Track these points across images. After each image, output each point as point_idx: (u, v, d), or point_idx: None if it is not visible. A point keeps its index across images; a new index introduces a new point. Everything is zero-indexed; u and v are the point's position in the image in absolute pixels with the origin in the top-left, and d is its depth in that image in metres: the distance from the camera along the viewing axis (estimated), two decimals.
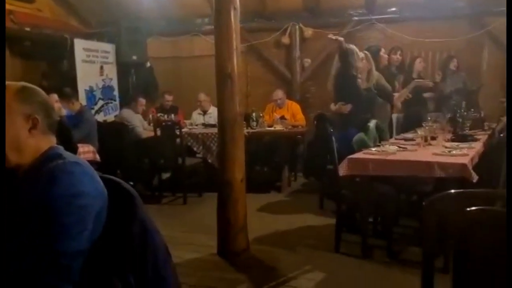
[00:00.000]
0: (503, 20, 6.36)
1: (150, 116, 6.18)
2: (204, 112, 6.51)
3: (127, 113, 5.75)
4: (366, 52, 4.68)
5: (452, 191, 1.43)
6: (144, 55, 7.03)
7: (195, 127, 6.07)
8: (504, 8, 6.41)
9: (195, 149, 5.60)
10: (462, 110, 5.39)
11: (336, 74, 4.51)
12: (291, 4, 6.90)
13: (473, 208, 1.29)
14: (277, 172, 5.96)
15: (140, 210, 1.39)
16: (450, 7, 6.47)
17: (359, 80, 4.39)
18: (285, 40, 7.02)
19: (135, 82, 7.15)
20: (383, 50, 5.34)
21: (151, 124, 5.79)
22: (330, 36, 4.59)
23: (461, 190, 1.39)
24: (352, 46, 4.48)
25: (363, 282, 3.14)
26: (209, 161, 5.52)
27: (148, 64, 7.23)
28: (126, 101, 6.53)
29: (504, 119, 4.21)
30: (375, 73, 4.56)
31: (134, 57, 6.86)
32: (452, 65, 6.08)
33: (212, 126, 5.69)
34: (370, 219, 3.85)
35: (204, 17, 7.15)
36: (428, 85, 5.72)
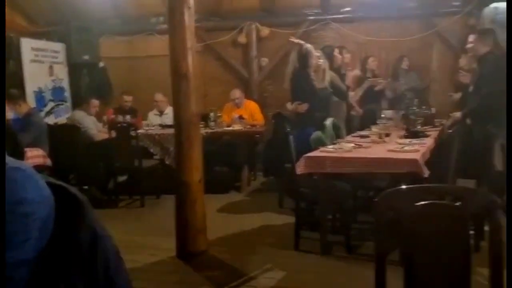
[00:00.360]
0: (450, 21, 6.66)
1: (104, 117, 5.99)
2: (161, 113, 6.39)
3: (80, 115, 5.55)
4: (321, 51, 4.76)
5: (403, 186, 1.46)
6: (96, 55, 6.82)
7: (152, 128, 5.95)
8: (451, 9, 6.72)
9: (152, 150, 5.49)
10: (414, 108, 5.59)
11: (293, 73, 4.55)
12: (247, 3, 6.91)
13: (422, 202, 1.32)
14: (237, 172, 5.94)
15: (88, 216, 1.34)
16: (401, 7, 6.68)
17: (314, 80, 4.45)
18: (242, 39, 7.01)
19: (87, 83, 6.92)
20: (337, 50, 5.44)
21: (106, 126, 5.61)
22: (292, 39, 4.63)
23: (412, 186, 1.42)
24: (309, 46, 4.53)
25: (323, 278, 3.17)
26: (167, 162, 5.42)
27: (101, 64, 7.01)
28: (78, 102, 6.31)
29: (453, 114, 4.38)
30: (330, 73, 4.63)
31: (86, 57, 6.64)
32: (404, 64, 6.30)
33: (169, 126, 5.57)
34: (329, 216, 3.90)
35: (159, 16, 7.01)
36: (381, 84, 5.88)
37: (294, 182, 3.67)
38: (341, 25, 6.83)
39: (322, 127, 4.08)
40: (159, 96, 6.30)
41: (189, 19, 3.33)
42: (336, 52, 5.36)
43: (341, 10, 6.82)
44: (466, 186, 1.58)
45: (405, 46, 6.71)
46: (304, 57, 4.44)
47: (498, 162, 4.39)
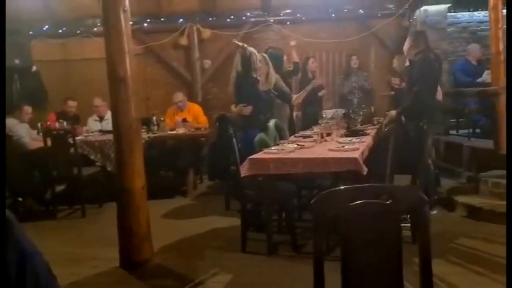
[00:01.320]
0: (386, 22, 6.95)
1: (39, 124, 5.67)
2: (101, 118, 6.17)
3: (11, 123, 5.23)
4: (264, 54, 4.80)
5: (342, 187, 1.49)
6: (28, 59, 6.48)
7: (92, 134, 5.72)
8: (386, 12, 7.01)
9: (92, 157, 5.28)
10: (355, 107, 5.78)
11: (237, 76, 4.55)
12: (187, 5, 6.83)
13: (356, 202, 1.37)
14: (182, 176, 5.85)
15: (15, 233, 1.26)
16: (338, 9, 6.90)
17: (258, 82, 4.48)
18: (183, 41, 6.93)
19: (19, 88, 6.54)
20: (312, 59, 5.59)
21: (41, 134, 5.32)
22: (235, 41, 4.61)
23: (348, 186, 1.46)
24: (251, 49, 4.56)
25: (270, 278, 3.19)
26: (109, 169, 5.24)
27: (34, 68, 6.66)
28: (10, 109, 5.94)
29: (389, 113, 4.57)
30: (274, 75, 4.67)
31: (17, 61, 6.29)
32: (354, 63, 6.50)
33: (110, 132, 5.39)
34: (274, 216, 3.94)
35: (95, 18, 6.77)
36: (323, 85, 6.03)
37: (239, 184, 3.67)
38: (282, 26, 6.94)
39: (265, 129, 4.11)
40: (98, 101, 6.08)
41: (125, 21, 3.23)
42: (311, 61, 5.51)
43: (282, 12, 6.93)
44: (398, 185, 1.65)
45: (344, 47, 6.93)
46: (247, 60, 4.46)
47: (431, 155, 4.66)
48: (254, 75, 4.44)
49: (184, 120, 6.00)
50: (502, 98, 4.78)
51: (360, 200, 1.39)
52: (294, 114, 5.84)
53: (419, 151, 3.77)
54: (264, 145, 3.91)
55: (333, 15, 6.87)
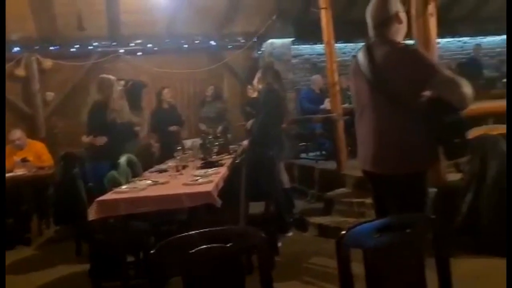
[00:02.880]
0: (237, 54, 7.26)
1: None
2: None
3: None
4: (121, 83, 4.60)
5: (176, 236, 1.41)
6: None
7: None
8: (236, 44, 7.33)
9: None
10: (211, 137, 5.82)
11: (92, 105, 4.26)
12: (23, 32, 6.19)
13: (196, 248, 1.33)
14: (25, 223, 5.17)
15: None
16: (191, 40, 6.99)
17: (115, 113, 4.24)
18: (20, 72, 6.25)
19: None
20: (166, 90, 5.41)
21: None
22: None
23: (190, 233, 1.39)
24: (111, 77, 4.33)
25: None
26: None
27: None
28: None
29: (242, 142, 4.70)
30: (126, 106, 4.47)
31: None
32: (207, 93, 6.58)
33: None
34: (131, 259, 3.68)
35: None
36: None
37: (87, 227, 3.35)
38: (133, 57, 6.74)
39: (116, 165, 3.86)
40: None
41: None
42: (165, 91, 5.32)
43: (132, 42, 6.73)
44: (240, 227, 1.64)
45: (198, 78, 7.02)
46: (105, 89, 4.21)
47: (284, 179, 4.91)
48: (111, 105, 4.21)
49: (24, 160, 5.34)
50: (340, 124, 5.29)
51: (201, 246, 1.35)
52: (153, 146, 5.67)
53: (271, 178, 3.93)
54: (115, 183, 3.65)
55: (185, 46, 6.92)
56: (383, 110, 2.22)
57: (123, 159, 3.99)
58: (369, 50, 2.27)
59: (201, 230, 1.36)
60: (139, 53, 6.78)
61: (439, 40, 4.89)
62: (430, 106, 2.15)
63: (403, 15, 2.30)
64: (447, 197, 3.88)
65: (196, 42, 6.97)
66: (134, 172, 4.10)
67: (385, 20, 2.27)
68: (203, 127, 6.50)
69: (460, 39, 9.20)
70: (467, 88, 2.06)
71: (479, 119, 5.67)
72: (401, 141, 2.18)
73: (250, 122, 5.90)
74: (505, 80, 7.12)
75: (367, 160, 2.34)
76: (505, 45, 9.84)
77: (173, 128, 5.91)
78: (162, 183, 3.59)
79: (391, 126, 2.21)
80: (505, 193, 3.32)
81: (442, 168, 4.02)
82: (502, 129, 4.11)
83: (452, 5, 7.44)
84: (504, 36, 9.72)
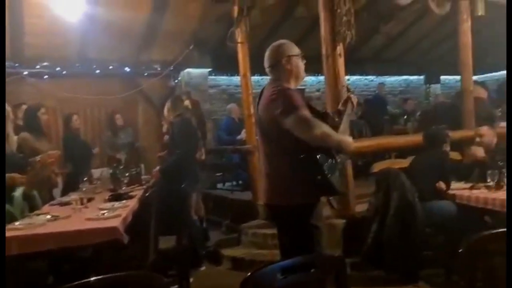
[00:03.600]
0: (153, 82, 7.11)
1: None
2: None
3: None
4: (8, 109, 4.18)
5: (73, 284, 1.27)
6: None
7: None
8: (152, 71, 7.18)
9: None
10: (121, 166, 5.55)
11: None
12: None
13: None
14: None
15: None
16: (104, 66, 6.71)
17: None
18: None
19: None
20: (42, 109, 4.96)
21: None
22: None
23: (79, 283, 1.26)
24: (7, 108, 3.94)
25: None
26: None
27: None
28: None
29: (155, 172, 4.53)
30: (21, 136, 4.10)
31: None
32: (119, 121, 6.29)
33: None
34: None
35: None
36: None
37: None
38: (39, 80, 6.30)
39: (10, 200, 3.49)
40: None
41: None
42: (41, 112, 4.89)
43: (38, 64, 6.29)
44: (141, 273, 1.52)
45: (111, 104, 6.73)
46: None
47: (199, 211, 4.79)
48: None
49: None
50: (255, 156, 5.34)
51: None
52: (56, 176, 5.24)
53: (183, 210, 3.81)
54: (9, 219, 3.29)
55: (98, 71, 6.63)
56: (265, 147, 2.43)
57: (18, 192, 3.62)
58: (262, 91, 2.47)
59: (100, 277, 1.24)
60: (45, 76, 6.35)
61: (349, 77, 5.20)
62: (297, 144, 2.27)
63: (296, 59, 2.44)
64: (355, 228, 4.04)
65: (110, 67, 6.71)
66: (32, 206, 3.74)
67: (275, 63, 2.45)
68: (114, 156, 6.20)
69: (367, 77, 9.93)
70: (318, 130, 2.21)
71: (383, 153, 6.09)
72: (278, 177, 2.36)
73: (163, 153, 5.76)
74: (406, 117, 7.77)
75: (262, 192, 2.55)
76: (406, 85, 10.83)
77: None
78: (63, 218, 3.30)
79: (272, 161, 2.40)
80: (405, 224, 3.54)
81: (351, 200, 4.20)
82: (403, 163, 4.42)
83: (360, 46, 8.00)
84: (405, 77, 10.71)
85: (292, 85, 2.45)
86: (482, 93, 5.58)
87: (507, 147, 3.47)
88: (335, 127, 2.42)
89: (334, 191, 2.40)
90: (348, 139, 2.34)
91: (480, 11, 5.26)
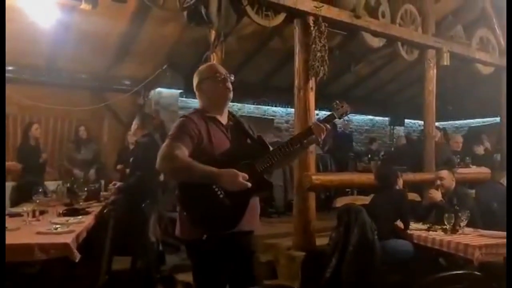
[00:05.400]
0: (121, 97, 6.99)
1: None
2: None
3: None
4: None
5: None
6: None
7: None
8: (122, 87, 7.08)
9: None
10: (81, 180, 5.37)
11: None
12: None
13: None
14: None
15: None
16: (71, 77, 6.56)
17: None
18: None
19: None
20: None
21: None
22: None
23: None
24: None
25: None
26: None
27: None
28: None
29: (113, 189, 4.39)
30: None
31: None
32: (82, 133, 6.11)
33: None
34: None
35: None
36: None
37: None
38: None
39: None
40: None
41: None
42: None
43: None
44: None
45: (76, 116, 6.56)
46: None
47: (156, 233, 4.64)
48: None
49: None
50: None
51: None
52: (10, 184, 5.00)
53: (141, 231, 3.69)
54: None
55: (65, 81, 6.47)
56: None
57: None
58: None
59: None
60: (9, 82, 6.12)
61: (318, 112, 5.29)
62: None
63: (210, 82, 2.30)
64: (314, 261, 4.02)
65: (79, 79, 6.57)
66: None
67: (195, 87, 2.35)
68: (74, 169, 5.99)
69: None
70: (160, 152, 2.10)
71: (346, 189, 6.17)
72: None
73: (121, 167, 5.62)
74: (370, 155, 7.94)
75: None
76: (372, 124, 11.13)
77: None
78: (12, 230, 3.13)
79: None
80: (364, 261, 3.55)
81: (312, 232, 4.20)
82: (365, 199, 4.49)
83: (330, 82, 8.21)
84: (371, 117, 11.02)
85: (210, 108, 2.29)
86: (458, 140, 5.91)
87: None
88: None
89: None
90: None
91: (445, 61, 5.54)
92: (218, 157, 2.16)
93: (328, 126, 2.29)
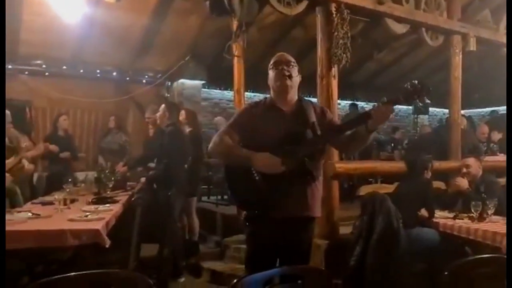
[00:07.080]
0: (145, 89, 7.09)
1: None
2: None
3: None
4: None
5: (53, 278, 1.25)
6: None
7: None
8: (146, 79, 7.17)
9: None
10: (107, 171, 5.49)
11: None
12: None
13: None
14: None
15: None
16: (98, 69, 6.69)
17: None
18: None
19: None
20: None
21: None
22: None
23: (60, 276, 1.23)
24: None
25: None
26: None
27: None
28: None
29: (141, 179, 4.49)
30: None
31: None
32: (112, 124, 6.24)
33: None
34: None
35: None
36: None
37: None
38: (31, 77, 6.25)
39: None
40: None
41: None
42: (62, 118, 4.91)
43: (31, 62, 6.25)
44: (126, 272, 1.49)
45: (102, 108, 6.69)
46: None
47: (195, 223, 4.73)
48: None
49: None
50: None
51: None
52: (36, 175, 5.16)
53: (168, 220, 3.77)
54: None
55: (92, 74, 6.61)
56: None
57: None
58: None
59: (82, 272, 1.21)
60: (38, 75, 6.30)
61: (340, 101, 5.25)
62: None
63: (269, 74, 2.43)
64: (337, 249, 4.03)
65: (104, 71, 6.70)
66: (13, 202, 3.68)
67: None
68: (101, 159, 6.12)
69: (358, 103, 10.04)
70: (213, 138, 2.34)
71: (369, 177, 6.13)
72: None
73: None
74: (393, 144, 7.85)
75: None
76: (395, 113, 10.98)
77: (64, 154, 5.46)
78: (45, 217, 3.25)
79: None
80: (388, 249, 3.54)
81: (335, 221, 4.21)
82: (389, 188, 4.46)
83: (353, 71, 8.13)
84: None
85: (274, 96, 2.40)
86: (485, 131, 5.79)
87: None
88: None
89: None
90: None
91: (472, 46, 5.41)
92: (267, 143, 2.21)
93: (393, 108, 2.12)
